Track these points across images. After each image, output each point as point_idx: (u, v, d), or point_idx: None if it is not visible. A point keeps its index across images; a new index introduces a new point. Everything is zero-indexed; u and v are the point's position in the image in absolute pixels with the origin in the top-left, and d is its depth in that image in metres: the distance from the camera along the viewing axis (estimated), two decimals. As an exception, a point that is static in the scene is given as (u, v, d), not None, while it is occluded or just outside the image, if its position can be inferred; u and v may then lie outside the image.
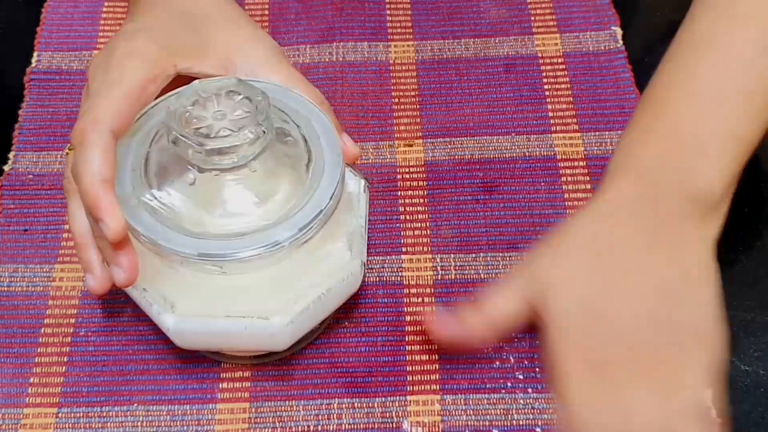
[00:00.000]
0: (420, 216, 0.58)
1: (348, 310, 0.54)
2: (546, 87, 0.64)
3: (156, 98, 0.49)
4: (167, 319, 0.46)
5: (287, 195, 0.47)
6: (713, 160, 0.45)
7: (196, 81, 0.48)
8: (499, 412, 0.51)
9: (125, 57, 0.47)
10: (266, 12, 0.69)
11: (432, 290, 0.55)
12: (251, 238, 0.45)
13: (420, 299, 0.55)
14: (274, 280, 0.46)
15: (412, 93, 0.64)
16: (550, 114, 0.63)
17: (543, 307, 0.44)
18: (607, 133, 0.62)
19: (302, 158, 0.48)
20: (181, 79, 0.49)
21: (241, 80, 0.48)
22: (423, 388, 0.52)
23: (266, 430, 0.50)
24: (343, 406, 0.51)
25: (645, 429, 0.41)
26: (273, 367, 0.52)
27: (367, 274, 0.55)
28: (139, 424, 0.51)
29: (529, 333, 0.49)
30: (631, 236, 0.45)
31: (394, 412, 0.51)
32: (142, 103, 0.47)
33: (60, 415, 0.51)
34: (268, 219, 0.46)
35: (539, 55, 0.66)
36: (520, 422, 0.50)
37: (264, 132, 0.46)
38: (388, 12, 0.69)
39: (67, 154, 0.49)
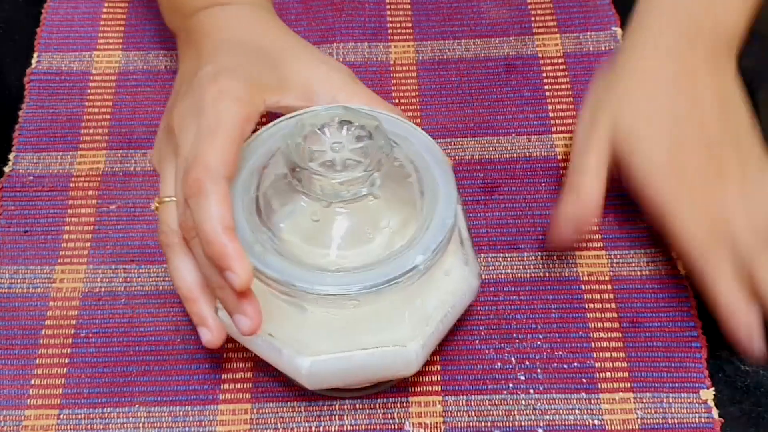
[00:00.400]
0: (421, 217, 0.58)
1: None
2: (546, 87, 0.64)
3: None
4: (302, 362, 0.45)
5: (405, 218, 0.46)
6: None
7: (303, 115, 0.46)
8: (500, 413, 0.51)
9: (217, 99, 0.46)
10: (266, 12, 0.69)
11: (433, 291, 0.55)
12: (387, 266, 0.43)
13: (421, 300, 0.55)
14: (401, 306, 0.46)
15: (413, 94, 0.64)
16: (551, 114, 0.63)
17: (628, 159, 0.53)
18: (607, 133, 0.62)
19: (413, 178, 0.47)
20: None
21: (350, 108, 0.47)
22: (425, 389, 0.52)
23: (268, 430, 0.50)
24: (345, 407, 0.51)
25: (736, 212, 0.51)
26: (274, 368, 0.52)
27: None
28: (140, 425, 0.51)
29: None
30: (685, 73, 0.54)
31: (395, 413, 0.51)
32: (242, 144, 0.46)
33: (61, 416, 0.51)
34: (392, 245, 0.45)
35: (539, 55, 0.66)
36: (522, 423, 0.50)
37: (388, 155, 0.45)
38: (388, 12, 0.69)
39: (157, 208, 0.48)
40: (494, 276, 0.56)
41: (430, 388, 0.52)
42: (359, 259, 0.45)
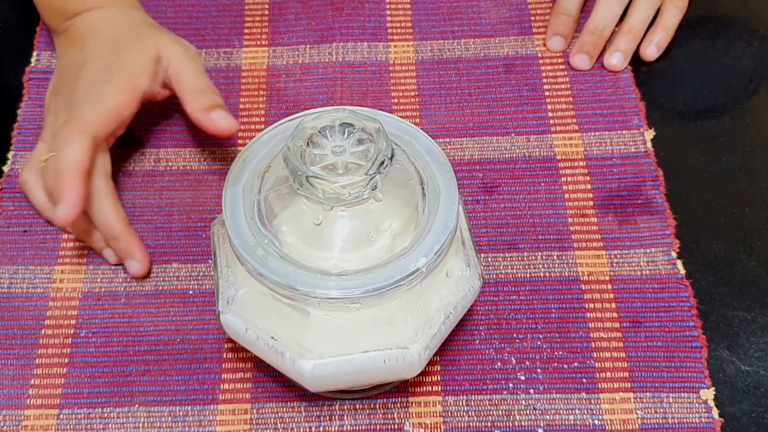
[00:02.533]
0: (420, 216, 0.58)
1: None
2: (546, 87, 0.64)
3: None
4: (305, 365, 0.44)
5: (406, 220, 0.46)
6: None
7: (304, 117, 0.46)
8: (500, 413, 0.51)
9: (106, 83, 0.56)
10: (266, 12, 0.69)
11: (433, 291, 0.55)
12: (389, 268, 0.43)
13: (421, 300, 0.55)
14: (403, 308, 0.45)
15: (412, 93, 0.64)
16: (550, 114, 0.63)
17: None
18: (606, 133, 0.62)
19: (415, 180, 0.47)
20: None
21: (352, 110, 0.46)
22: (425, 389, 0.52)
23: (268, 430, 0.50)
24: (345, 407, 0.51)
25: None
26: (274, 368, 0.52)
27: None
28: (140, 425, 0.51)
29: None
30: None
31: (395, 413, 0.51)
32: (118, 119, 0.56)
33: (61, 416, 0.51)
34: (394, 247, 0.45)
35: (539, 55, 0.66)
36: (522, 423, 0.50)
37: (390, 158, 0.44)
38: (388, 12, 0.69)
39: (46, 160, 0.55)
40: (494, 276, 0.56)
41: (430, 389, 0.52)
42: (361, 262, 0.44)
